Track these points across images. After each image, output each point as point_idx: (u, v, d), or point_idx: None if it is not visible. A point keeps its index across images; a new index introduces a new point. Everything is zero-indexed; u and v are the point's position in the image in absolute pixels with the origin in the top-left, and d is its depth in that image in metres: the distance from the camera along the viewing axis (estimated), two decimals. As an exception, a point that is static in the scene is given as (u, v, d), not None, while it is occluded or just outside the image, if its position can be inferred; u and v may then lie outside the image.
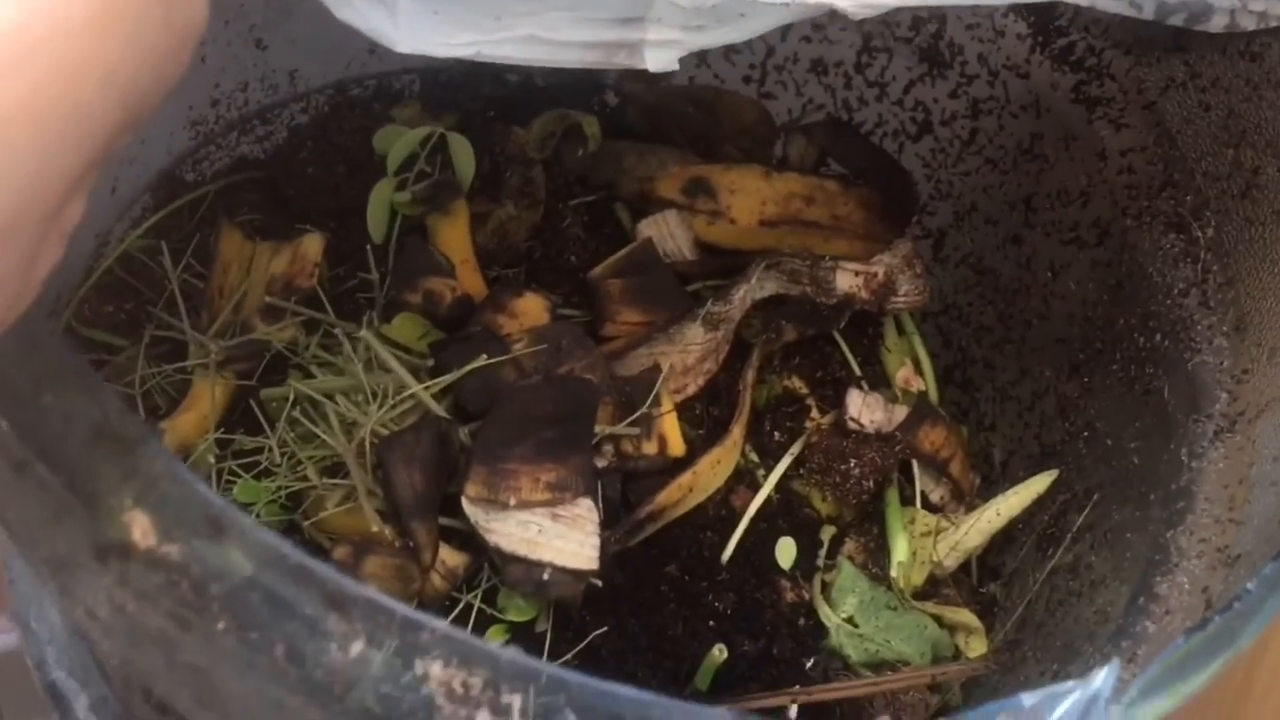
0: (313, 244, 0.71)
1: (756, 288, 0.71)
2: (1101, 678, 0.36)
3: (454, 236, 0.73)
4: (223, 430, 0.66)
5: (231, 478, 0.65)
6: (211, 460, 0.65)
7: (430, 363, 0.67)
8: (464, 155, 0.74)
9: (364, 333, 0.65)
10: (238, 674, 0.33)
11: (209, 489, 0.31)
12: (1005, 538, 0.70)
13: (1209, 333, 0.57)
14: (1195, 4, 0.50)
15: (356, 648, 0.31)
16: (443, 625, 0.30)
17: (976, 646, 0.69)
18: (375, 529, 0.61)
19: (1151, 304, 0.60)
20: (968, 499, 0.74)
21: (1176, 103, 0.59)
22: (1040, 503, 0.67)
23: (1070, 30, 0.64)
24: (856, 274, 0.71)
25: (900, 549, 0.68)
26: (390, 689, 0.31)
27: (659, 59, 0.51)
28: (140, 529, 0.31)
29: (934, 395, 0.76)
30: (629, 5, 0.50)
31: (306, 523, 0.64)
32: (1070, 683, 0.36)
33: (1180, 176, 0.60)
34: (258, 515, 0.63)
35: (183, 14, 0.32)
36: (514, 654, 0.31)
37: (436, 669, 0.31)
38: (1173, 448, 0.56)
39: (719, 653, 0.63)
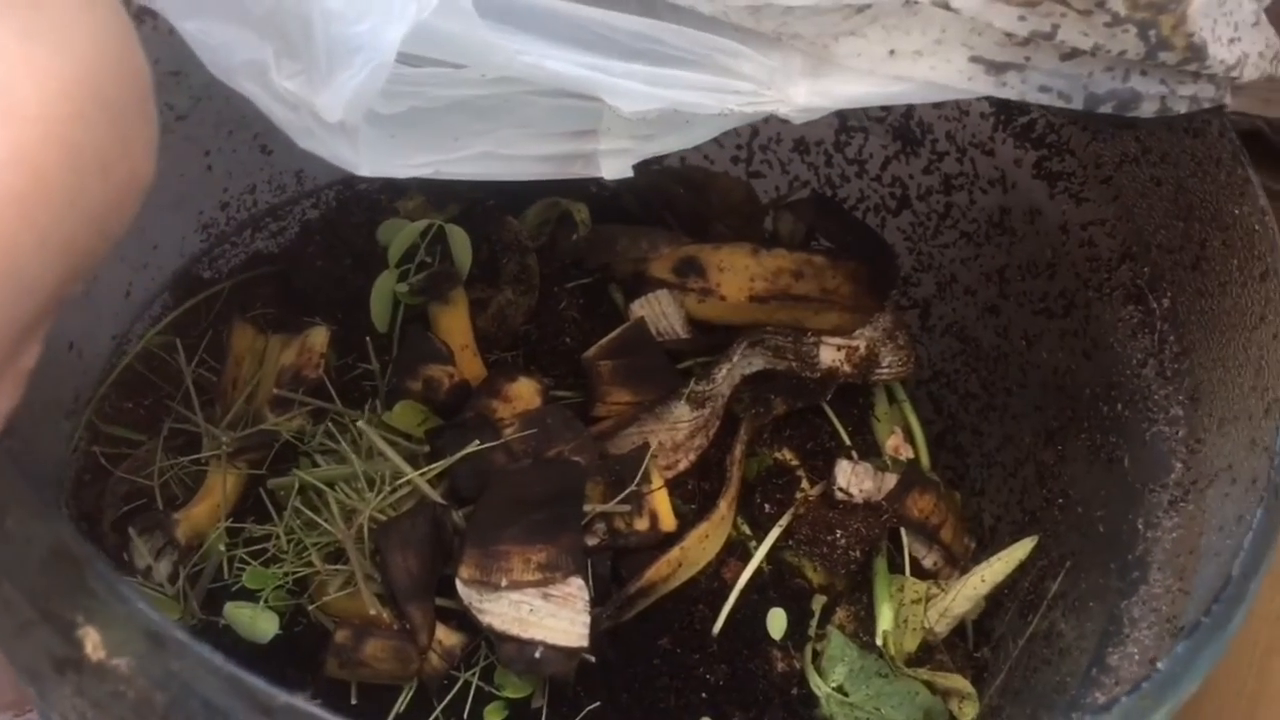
0: (319, 336, 0.74)
1: (743, 364, 0.73)
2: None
3: (454, 324, 0.75)
4: (234, 519, 0.69)
5: (242, 564, 0.68)
6: (222, 549, 0.68)
7: (427, 449, 0.69)
8: (461, 245, 0.77)
9: (360, 422, 0.68)
10: (187, 776, 0.35)
11: (149, 606, 0.34)
12: (995, 603, 0.71)
13: (1165, 402, 0.58)
14: (1123, 92, 0.52)
15: (288, 752, 0.34)
16: (361, 729, 0.33)
17: (969, 711, 0.70)
18: (373, 612, 0.64)
19: (1114, 374, 0.62)
20: (962, 564, 0.75)
21: (1131, 177, 0.61)
22: (1023, 569, 0.68)
23: (1030, 108, 0.67)
24: (839, 348, 0.73)
25: (885, 617, 0.69)
26: (321, 790, 0.34)
27: (613, 167, 0.54)
28: (91, 643, 0.34)
29: (925, 462, 0.78)
30: (580, 119, 0.53)
31: (312, 607, 0.66)
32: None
33: (1138, 249, 0.61)
34: (266, 601, 0.66)
35: (124, 171, 0.35)
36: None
37: (362, 769, 0.33)
38: (1131, 517, 0.57)
39: (706, 725, 0.64)
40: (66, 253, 0.33)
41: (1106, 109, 0.52)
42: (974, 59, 0.50)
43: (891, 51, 0.50)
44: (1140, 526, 0.56)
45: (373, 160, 0.49)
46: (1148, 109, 0.53)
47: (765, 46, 0.50)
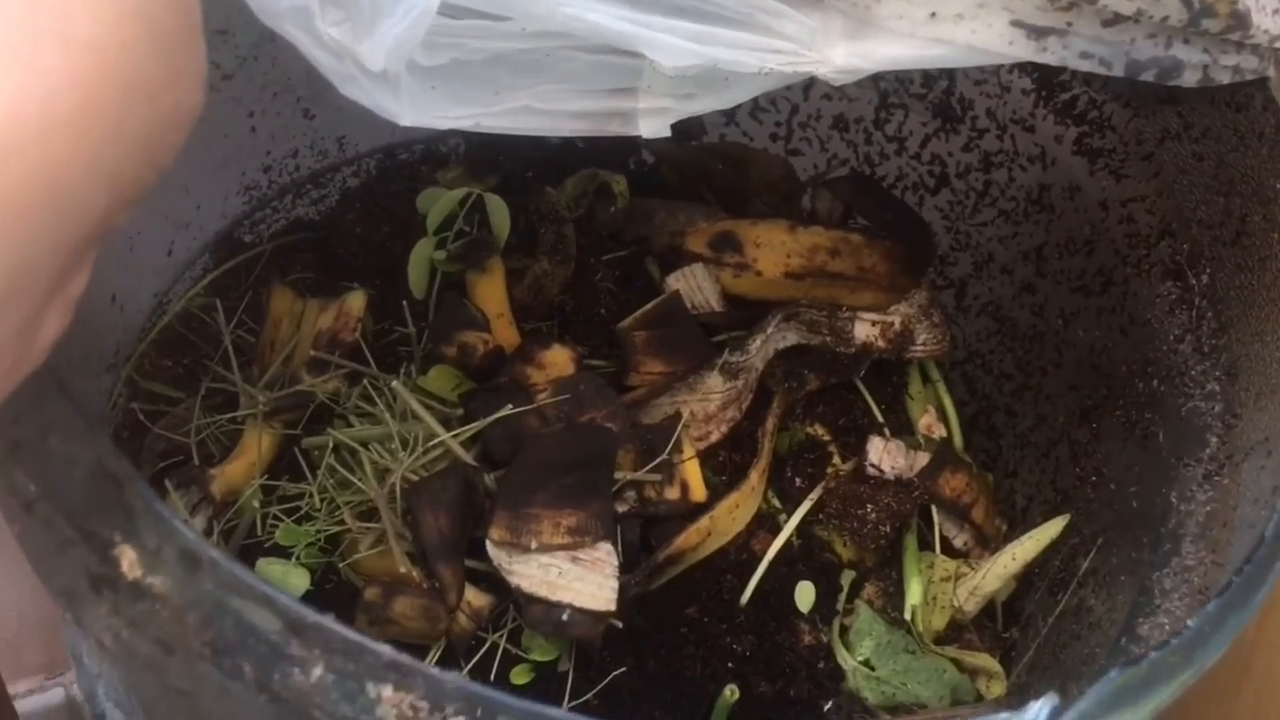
0: (356, 300, 0.75)
1: (777, 338, 0.73)
2: (1036, 709, 0.37)
3: (490, 292, 0.76)
4: (268, 477, 0.70)
5: (275, 521, 0.69)
6: (256, 505, 0.69)
7: (461, 412, 0.70)
8: (499, 214, 0.78)
9: (395, 384, 0.69)
10: (217, 696, 0.36)
11: (185, 525, 0.34)
12: (1025, 582, 0.71)
13: (1202, 377, 0.58)
14: (1165, 59, 0.51)
15: (316, 671, 0.34)
16: (388, 651, 0.33)
17: (996, 690, 0.70)
18: (404, 571, 0.64)
19: (1150, 350, 0.61)
20: (993, 545, 0.75)
21: (1172, 153, 0.61)
22: (1054, 548, 0.68)
23: (1072, 84, 0.66)
24: (874, 324, 0.73)
25: (914, 593, 0.69)
26: (348, 710, 0.34)
27: (651, 125, 0.54)
28: (128, 561, 0.35)
29: (958, 442, 0.77)
30: (620, 76, 0.53)
31: (343, 564, 0.67)
32: (1004, 713, 0.37)
33: (1177, 225, 0.61)
34: (298, 558, 0.67)
35: (171, 101, 0.36)
36: (455, 678, 0.33)
37: (388, 692, 0.34)
38: (1164, 491, 0.57)
39: (729, 694, 0.64)
40: (114, 179, 0.34)
41: (1148, 77, 0.52)
42: (1015, 23, 0.50)
43: (933, 14, 0.50)
44: (1174, 500, 0.56)
45: (414, 110, 0.49)
46: (1190, 78, 0.52)
47: (807, 6, 0.50)
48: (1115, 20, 0.50)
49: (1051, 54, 0.51)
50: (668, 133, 0.55)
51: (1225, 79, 0.52)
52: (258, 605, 0.34)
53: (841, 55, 0.51)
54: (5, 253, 0.31)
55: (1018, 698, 0.64)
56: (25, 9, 0.31)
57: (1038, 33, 0.50)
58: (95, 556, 0.35)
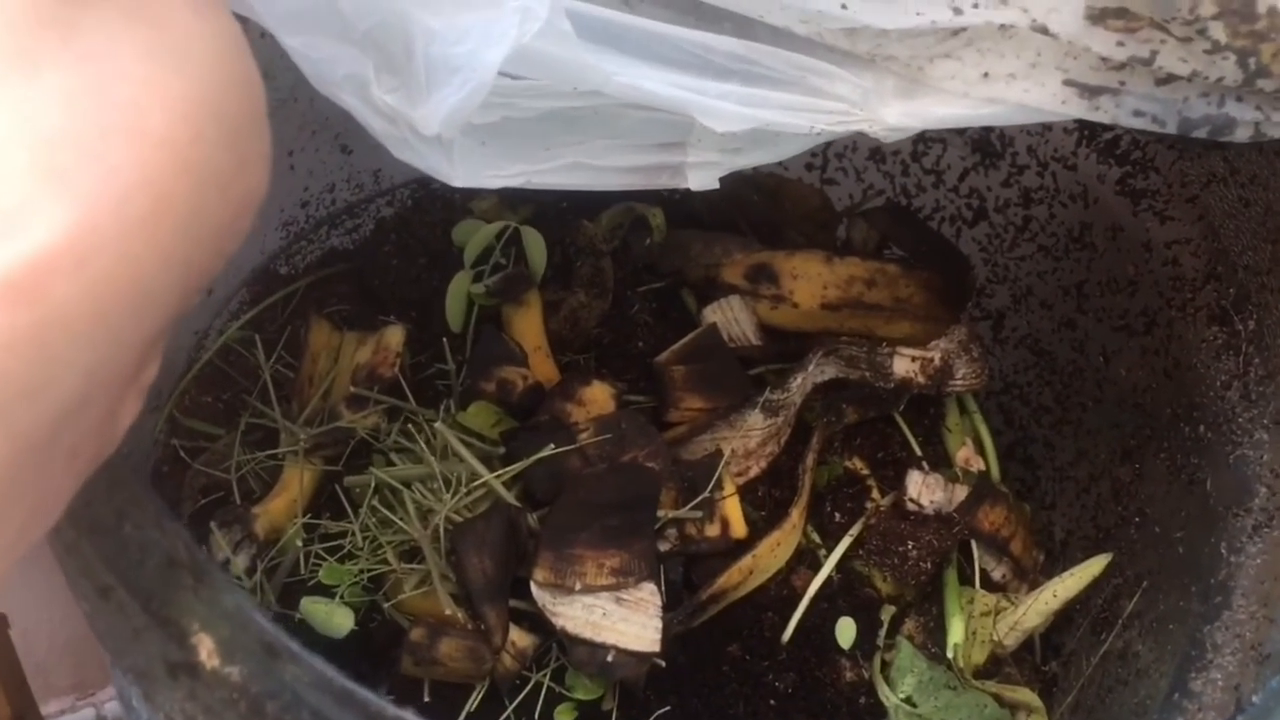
0: (394, 335, 0.75)
1: (816, 374, 0.73)
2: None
3: (527, 325, 0.76)
4: (310, 514, 0.70)
5: (318, 560, 0.69)
6: (299, 543, 0.69)
7: (502, 450, 0.70)
8: (536, 247, 0.78)
9: (438, 424, 0.69)
10: (292, 782, 0.36)
11: (265, 618, 0.35)
12: (1065, 617, 0.71)
13: (1250, 426, 0.58)
14: (1218, 117, 0.51)
15: (394, 764, 0.34)
16: (468, 745, 0.34)
17: (1037, 725, 0.70)
18: (449, 612, 0.65)
19: (1196, 395, 0.61)
20: (1030, 576, 0.75)
21: (1218, 197, 0.61)
22: (1096, 585, 0.68)
23: (1115, 125, 0.66)
24: (913, 359, 0.73)
25: (956, 630, 0.69)
26: (425, 801, 0.35)
27: (700, 179, 0.54)
28: (206, 650, 0.35)
29: (995, 474, 0.77)
30: (670, 131, 0.53)
31: (387, 604, 0.67)
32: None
33: (1223, 269, 0.61)
34: (342, 596, 0.67)
35: (240, 191, 0.35)
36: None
37: (465, 783, 0.34)
38: (1213, 540, 0.57)
39: (775, 734, 0.65)
40: (187, 271, 0.34)
41: (1200, 134, 0.52)
42: (1068, 82, 0.50)
43: (985, 74, 0.50)
44: (1223, 551, 0.56)
45: (466, 170, 0.50)
46: (1242, 134, 0.52)
47: (859, 67, 0.50)
48: (1169, 80, 0.50)
49: (1104, 113, 0.51)
50: (715, 185, 0.55)
51: (1276, 135, 0.52)
52: (337, 698, 0.34)
53: (894, 115, 0.51)
54: (87, 354, 0.31)
55: (1062, 739, 0.64)
56: (96, 105, 0.31)
57: (1090, 91, 0.50)
58: (173, 644, 0.36)
